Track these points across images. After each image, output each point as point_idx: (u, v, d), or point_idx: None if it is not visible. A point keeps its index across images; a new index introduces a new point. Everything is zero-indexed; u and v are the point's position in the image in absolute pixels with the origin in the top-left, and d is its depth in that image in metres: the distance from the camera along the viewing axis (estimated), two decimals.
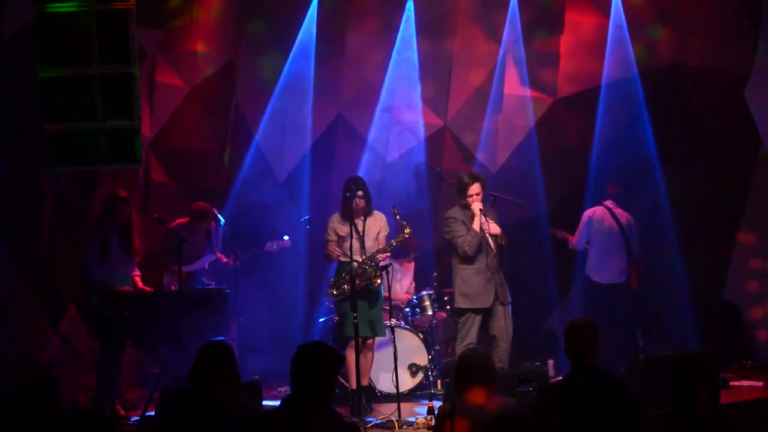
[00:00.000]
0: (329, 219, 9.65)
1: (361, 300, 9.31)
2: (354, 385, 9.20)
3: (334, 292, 9.48)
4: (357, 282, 9.27)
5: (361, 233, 9.47)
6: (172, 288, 10.13)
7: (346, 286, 9.31)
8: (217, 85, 11.83)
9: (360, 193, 9.42)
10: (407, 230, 9.46)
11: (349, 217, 9.43)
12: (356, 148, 11.98)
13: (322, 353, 5.04)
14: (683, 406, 5.25)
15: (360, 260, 9.38)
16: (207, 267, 10.62)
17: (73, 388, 9.44)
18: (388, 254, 9.61)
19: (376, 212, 9.66)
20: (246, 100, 12.03)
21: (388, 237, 9.65)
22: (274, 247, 10.89)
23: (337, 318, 10.08)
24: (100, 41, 6.93)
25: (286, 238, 10.97)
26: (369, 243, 9.51)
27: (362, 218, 9.52)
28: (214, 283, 10.58)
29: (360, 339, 9.27)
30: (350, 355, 9.23)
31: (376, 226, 9.59)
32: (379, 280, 9.37)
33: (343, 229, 9.44)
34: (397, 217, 9.40)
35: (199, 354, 5.63)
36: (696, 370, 5.30)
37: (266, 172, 12.01)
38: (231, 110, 12.00)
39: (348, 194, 9.40)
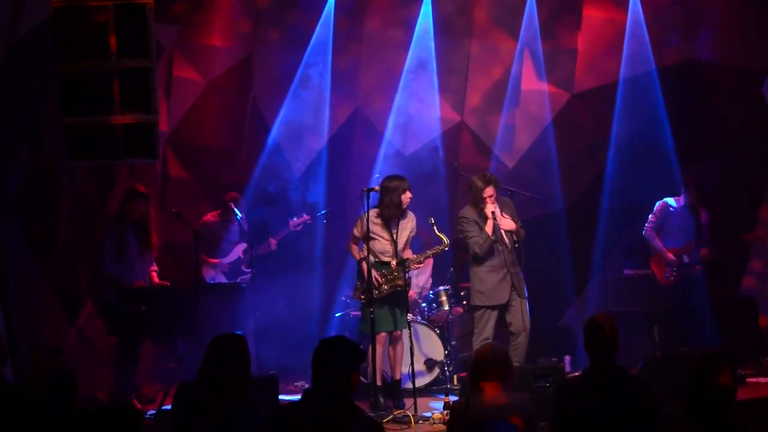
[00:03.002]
0: (362, 215, 9.26)
1: (390, 298, 9.24)
2: (380, 381, 9.21)
3: (362, 297, 9.28)
4: (386, 288, 9.17)
5: (395, 236, 9.31)
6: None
7: (375, 292, 9.11)
8: (234, 80, 11.85)
9: (409, 192, 9.22)
10: (446, 242, 9.24)
11: (386, 216, 9.24)
12: (373, 142, 11.97)
13: (343, 347, 5.03)
14: (699, 401, 5.22)
15: (393, 265, 9.24)
16: (242, 256, 10.68)
17: (90, 383, 9.47)
18: (422, 264, 9.54)
19: (409, 212, 9.44)
20: (263, 95, 12.04)
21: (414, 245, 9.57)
22: (297, 223, 10.88)
23: (354, 313, 10.08)
24: (118, 36, 6.95)
25: (305, 215, 11.03)
26: (401, 245, 9.34)
27: (397, 220, 9.32)
28: (252, 270, 10.61)
29: (387, 333, 9.32)
30: (378, 349, 9.19)
31: (408, 228, 9.42)
32: (407, 288, 9.27)
33: (375, 230, 9.23)
34: (435, 228, 9.21)
35: (209, 347, 5.64)
36: (719, 357, 5.28)
37: (283, 167, 12.02)
38: (248, 105, 12.02)
39: (375, 189, 9.17)
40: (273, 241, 10.82)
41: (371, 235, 9.19)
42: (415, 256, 9.40)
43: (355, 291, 9.44)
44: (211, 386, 5.51)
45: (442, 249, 9.36)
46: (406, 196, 9.23)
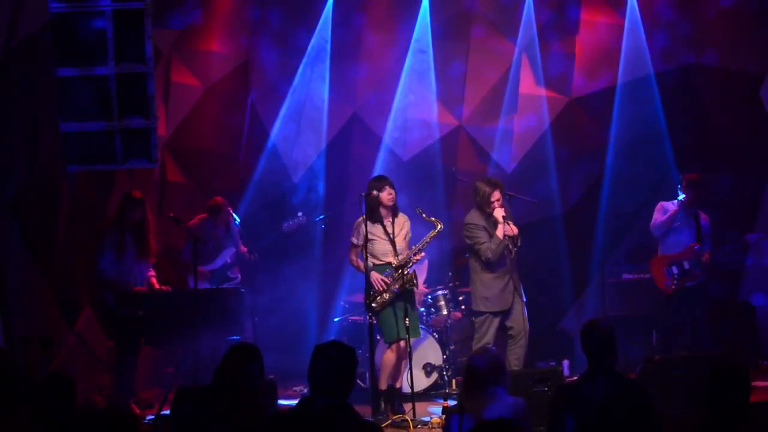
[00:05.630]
0: (357, 221, 9.32)
1: (401, 302, 9.17)
2: (384, 386, 9.18)
3: (374, 306, 9.13)
4: (396, 287, 9.11)
5: (391, 235, 9.30)
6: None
7: (386, 294, 9.10)
8: (232, 85, 11.87)
9: (388, 188, 9.23)
10: (439, 225, 9.22)
11: (376, 217, 9.26)
12: (372, 147, 11.98)
13: (339, 352, 5.04)
14: (721, 407, 5.24)
15: (395, 263, 9.20)
16: (229, 261, 10.58)
17: (88, 387, 9.46)
18: (423, 254, 9.44)
19: (401, 214, 9.44)
20: (261, 100, 12.06)
21: (411, 240, 9.52)
22: (292, 226, 10.76)
23: (352, 318, 10.09)
24: (116, 41, 6.97)
25: (300, 214, 10.78)
26: (399, 244, 9.31)
27: (391, 219, 9.35)
28: (239, 276, 10.53)
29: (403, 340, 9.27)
30: (389, 356, 9.17)
31: (405, 228, 9.40)
32: (415, 280, 9.22)
33: (372, 231, 9.19)
34: (423, 215, 9.25)
35: (228, 354, 5.64)
36: (737, 362, 5.32)
37: (281, 172, 12.02)
38: (246, 110, 12.02)
39: (372, 193, 9.17)
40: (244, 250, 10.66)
41: (369, 236, 9.17)
42: (412, 248, 9.30)
43: (366, 302, 9.20)
44: (225, 392, 5.50)
45: (437, 232, 9.28)
46: (385, 193, 9.23)
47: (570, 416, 5.67)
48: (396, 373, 9.30)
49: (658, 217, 10.45)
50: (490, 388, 5.98)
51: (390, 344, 9.18)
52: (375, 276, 9.14)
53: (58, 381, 5.64)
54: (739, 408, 5.23)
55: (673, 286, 10.33)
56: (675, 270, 10.40)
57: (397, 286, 9.15)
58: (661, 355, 9.06)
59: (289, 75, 11.90)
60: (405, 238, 9.40)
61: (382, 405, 9.14)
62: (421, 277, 11.09)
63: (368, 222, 9.16)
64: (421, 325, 10.26)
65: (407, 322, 9.05)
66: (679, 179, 10.51)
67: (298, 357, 10.59)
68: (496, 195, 9.29)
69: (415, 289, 9.35)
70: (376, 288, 9.11)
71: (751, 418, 5.27)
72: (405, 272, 9.18)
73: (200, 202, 11.27)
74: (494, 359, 6.16)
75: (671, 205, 10.45)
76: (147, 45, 7.02)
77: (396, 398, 9.30)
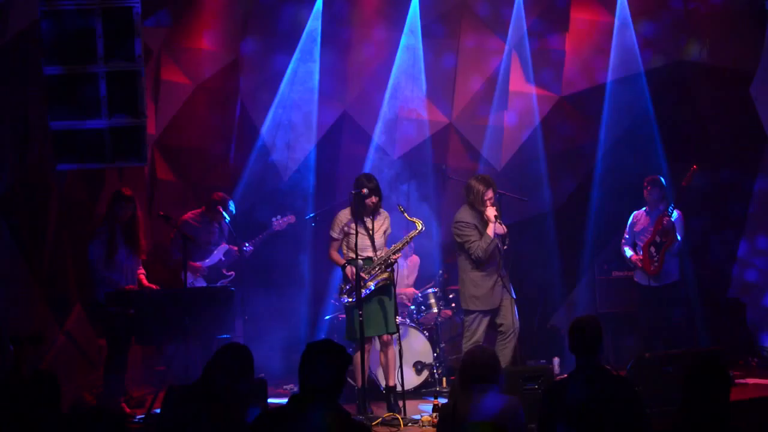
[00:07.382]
0: (336, 215, 9.46)
1: (377, 297, 9.20)
2: (360, 384, 9.18)
3: (350, 299, 9.23)
4: (371, 284, 9.15)
5: (371, 231, 9.34)
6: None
7: (361, 290, 9.12)
8: (222, 83, 11.84)
9: (374, 190, 9.26)
10: (420, 226, 9.27)
11: (359, 214, 9.28)
12: (362, 145, 11.97)
13: (330, 351, 5.04)
14: (697, 403, 5.24)
15: (374, 258, 9.24)
16: (224, 258, 10.56)
17: (79, 386, 9.45)
18: (400, 254, 9.44)
19: (382, 210, 9.50)
20: (251, 98, 12.03)
21: (390, 236, 9.55)
22: (281, 223, 10.75)
23: (342, 316, 10.07)
24: (105, 39, 6.95)
25: (289, 214, 10.83)
26: (378, 241, 9.36)
27: (371, 216, 9.37)
28: (233, 273, 10.52)
29: (376, 337, 9.31)
30: (357, 355, 9.19)
31: (385, 225, 9.44)
32: (391, 278, 9.22)
33: (352, 226, 9.24)
34: (405, 214, 9.30)
35: (217, 353, 5.64)
36: (714, 371, 5.32)
37: (271, 170, 12.01)
38: (237, 108, 12.00)
39: (363, 191, 9.20)
40: (249, 248, 10.66)
41: (348, 230, 9.29)
42: (392, 246, 9.33)
43: (339, 292, 9.40)
44: (214, 391, 5.49)
45: (418, 232, 9.32)
46: (369, 200, 9.25)
47: (559, 414, 5.69)
48: (387, 371, 9.34)
49: (625, 233, 10.71)
50: (485, 386, 5.98)
51: (362, 340, 9.18)
52: (350, 270, 9.19)
53: (41, 379, 5.63)
54: (717, 405, 5.24)
55: (656, 262, 10.33)
56: (653, 249, 10.40)
57: (372, 284, 9.17)
58: (651, 353, 9.06)
59: (279, 73, 11.89)
60: (384, 234, 9.44)
61: (367, 405, 9.11)
62: (412, 276, 11.12)
63: (349, 217, 9.30)
64: (411, 323, 10.30)
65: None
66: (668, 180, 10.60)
67: (288, 356, 10.66)
68: (490, 194, 9.31)
69: (394, 287, 9.35)
70: (351, 282, 9.17)
71: (741, 415, 5.28)
72: (382, 270, 9.19)
73: (190, 200, 11.26)
74: (490, 357, 6.17)
75: (640, 210, 10.55)
76: (136, 43, 7.01)
77: (392, 396, 9.30)
